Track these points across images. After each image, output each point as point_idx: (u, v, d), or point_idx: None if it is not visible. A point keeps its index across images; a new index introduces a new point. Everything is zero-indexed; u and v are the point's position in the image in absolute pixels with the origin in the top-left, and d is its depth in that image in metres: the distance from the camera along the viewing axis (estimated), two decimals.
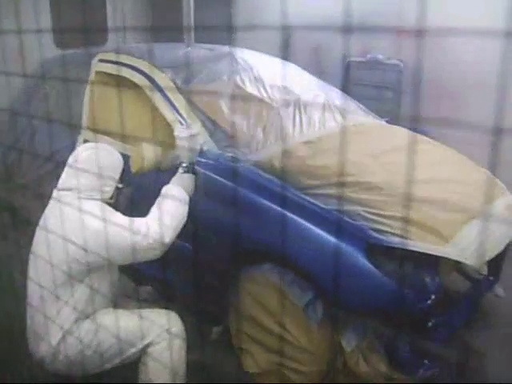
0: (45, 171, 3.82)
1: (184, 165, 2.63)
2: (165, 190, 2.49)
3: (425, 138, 3.43)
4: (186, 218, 2.44)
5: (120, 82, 3.36)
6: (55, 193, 2.47)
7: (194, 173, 2.66)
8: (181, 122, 3.01)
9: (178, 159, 2.81)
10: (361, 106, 3.94)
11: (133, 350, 2.40)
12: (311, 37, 6.04)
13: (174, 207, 2.40)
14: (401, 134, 3.51)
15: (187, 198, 2.51)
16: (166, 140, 3.00)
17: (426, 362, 2.53)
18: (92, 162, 2.38)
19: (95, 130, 3.49)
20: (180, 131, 2.68)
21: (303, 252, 2.46)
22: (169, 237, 2.32)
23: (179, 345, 2.45)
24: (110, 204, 2.43)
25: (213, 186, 2.79)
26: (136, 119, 3.02)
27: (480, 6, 4.90)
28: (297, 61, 4.23)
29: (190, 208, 2.52)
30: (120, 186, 2.50)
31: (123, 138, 3.17)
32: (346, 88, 4.42)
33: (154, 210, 2.40)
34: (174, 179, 2.58)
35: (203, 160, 2.85)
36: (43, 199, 2.53)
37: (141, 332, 2.37)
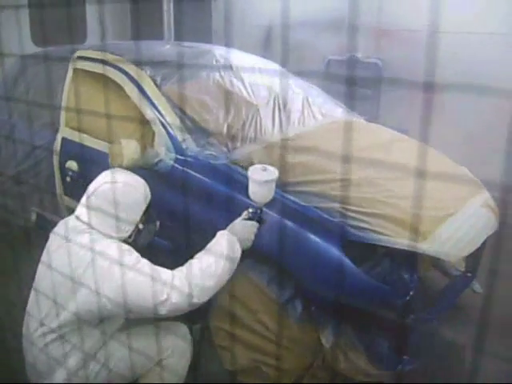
0: (23, 168, 3.79)
1: (250, 210, 2.35)
2: (217, 237, 2.24)
3: (403, 136, 3.45)
4: (228, 276, 2.18)
5: (99, 80, 3.33)
6: (66, 223, 2.27)
7: (260, 221, 2.35)
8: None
9: (156, 157, 2.81)
10: (339, 103, 3.96)
11: (145, 369, 2.33)
12: (291, 35, 6.05)
13: (215, 263, 2.12)
14: (379, 132, 3.54)
15: (237, 254, 2.21)
16: (145, 137, 2.99)
17: (404, 357, 2.54)
18: (110, 199, 2.15)
19: (74, 128, 3.46)
20: (255, 172, 2.33)
21: (282, 249, 2.46)
22: (198, 297, 2.06)
23: (189, 352, 2.43)
24: (127, 243, 2.22)
25: (192, 184, 2.78)
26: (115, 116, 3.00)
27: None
28: (276, 59, 4.24)
29: (169, 205, 2.50)
30: (141, 227, 2.30)
31: (102, 135, 3.15)
32: (325, 86, 4.42)
33: (192, 261, 2.15)
34: (233, 224, 2.31)
35: (182, 157, 2.84)
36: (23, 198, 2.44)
37: (156, 350, 2.28)
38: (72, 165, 3.40)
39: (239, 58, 3.87)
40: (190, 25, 6.86)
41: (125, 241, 2.22)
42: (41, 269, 2.25)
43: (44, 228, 3.77)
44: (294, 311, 2.56)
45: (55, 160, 3.52)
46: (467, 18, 4.99)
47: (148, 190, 2.34)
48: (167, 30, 7.00)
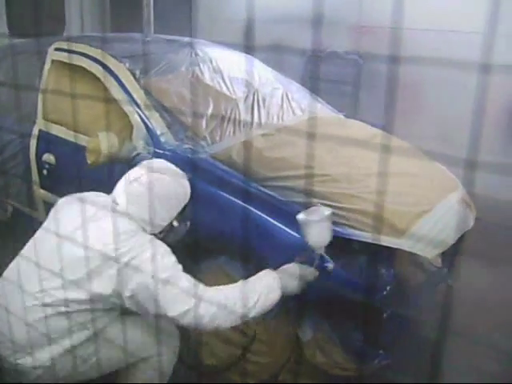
0: None
1: (304, 254, 2.17)
2: (267, 278, 2.09)
3: (381, 131, 3.47)
4: (258, 310, 2.04)
5: (77, 72, 3.30)
6: (97, 199, 2.19)
7: (317, 265, 2.18)
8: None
9: (134, 150, 2.79)
10: (319, 99, 3.97)
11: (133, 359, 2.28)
12: (271, 30, 6.05)
13: (239, 302, 1.99)
14: (358, 127, 3.55)
15: (276, 291, 2.07)
16: (123, 131, 2.97)
17: (380, 352, 2.56)
18: (153, 190, 2.05)
19: (51, 120, 3.42)
20: (308, 213, 2.16)
21: (260, 243, 2.46)
22: (212, 324, 1.99)
23: (178, 348, 2.40)
24: (157, 236, 2.16)
25: None
26: (93, 109, 2.97)
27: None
28: (256, 54, 4.23)
29: None
30: (175, 224, 2.23)
31: (79, 128, 3.12)
32: (304, 82, 4.43)
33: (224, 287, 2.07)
34: (282, 268, 2.15)
35: (161, 151, 2.83)
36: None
37: (149, 343, 2.25)
38: (49, 158, 3.37)
39: (219, 52, 3.86)
40: (170, 18, 6.83)
41: (155, 235, 2.15)
42: (43, 236, 2.17)
43: (20, 222, 3.75)
44: None
45: (32, 153, 3.48)
46: (450, 15, 5.04)
47: (189, 187, 2.26)
48: (147, 22, 6.95)
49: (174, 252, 2.12)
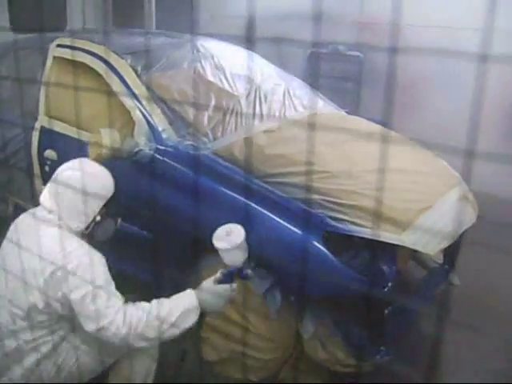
0: (0, 157, 3.75)
1: (224, 271, 2.14)
2: (181, 295, 2.10)
3: (382, 128, 3.46)
4: (169, 338, 2.06)
5: (79, 68, 3.30)
6: (32, 209, 2.26)
7: (243, 278, 2.18)
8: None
9: (136, 146, 2.79)
10: (321, 96, 3.96)
11: (102, 366, 2.30)
12: (273, 26, 6.04)
13: (162, 321, 1.99)
14: (360, 124, 3.55)
15: (188, 324, 2.05)
16: (125, 127, 2.97)
17: (382, 348, 2.57)
18: (70, 187, 2.10)
19: (53, 117, 3.43)
20: (218, 240, 2.17)
21: (262, 240, 2.46)
22: (133, 340, 2.00)
23: (147, 360, 2.35)
24: (84, 235, 2.20)
25: (172, 174, 2.77)
26: (95, 106, 2.97)
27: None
28: (258, 50, 4.22)
29: (148, 196, 2.48)
30: (98, 218, 2.22)
31: (81, 124, 3.12)
32: (307, 78, 4.43)
33: (143, 305, 2.05)
34: (200, 286, 2.14)
35: (162, 147, 2.83)
36: None
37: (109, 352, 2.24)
38: (51, 154, 3.37)
39: (220, 48, 3.86)
40: (172, 14, 6.82)
41: (82, 233, 2.19)
42: (8, 248, 2.22)
43: None
44: (273, 302, 2.56)
45: (34, 149, 3.48)
46: (452, 13, 5.03)
47: (112, 182, 2.27)
48: (148, 18, 6.94)
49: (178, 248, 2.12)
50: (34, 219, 2.15)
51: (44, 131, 3.46)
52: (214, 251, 2.71)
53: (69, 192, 2.11)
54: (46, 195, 2.22)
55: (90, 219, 2.20)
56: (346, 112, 3.91)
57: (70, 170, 2.19)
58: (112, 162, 2.67)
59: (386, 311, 2.51)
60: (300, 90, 3.84)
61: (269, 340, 2.64)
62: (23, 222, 2.25)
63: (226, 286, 2.11)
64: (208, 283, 2.13)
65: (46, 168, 3.41)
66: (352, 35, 5.80)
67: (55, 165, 3.32)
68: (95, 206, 2.20)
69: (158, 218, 2.77)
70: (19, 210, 3.79)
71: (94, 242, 2.20)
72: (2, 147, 3.72)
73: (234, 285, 2.13)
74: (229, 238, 2.13)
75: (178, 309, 2.02)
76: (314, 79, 5.65)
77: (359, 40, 5.72)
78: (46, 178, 3.44)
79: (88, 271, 1.99)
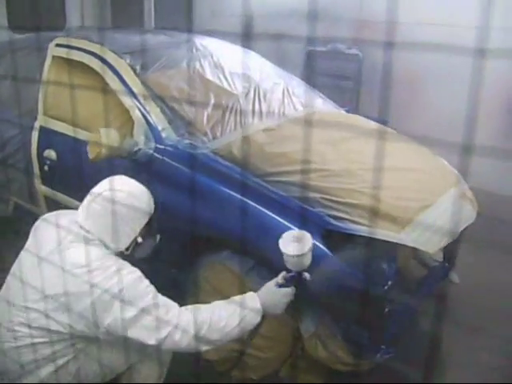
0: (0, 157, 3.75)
1: (287, 274, 2.12)
2: (244, 297, 2.09)
3: (382, 126, 3.46)
4: (234, 337, 2.05)
5: (78, 68, 3.30)
6: (65, 218, 2.16)
7: (297, 286, 2.14)
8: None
9: (135, 146, 2.78)
10: (320, 94, 3.96)
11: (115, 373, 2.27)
12: (272, 25, 6.04)
13: (226, 323, 1.99)
14: (359, 122, 3.55)
15: (251, 325, 2.06)
16: (124, 126, 2.97)
17: (382, 347, 2.56)
18: (111, 208, 2.03)
19: (52, 116, 3.42)
20: (286, 244, 2.11)
21: (262, 239, 2.46)
22: (200, 345, 1.99)
23: (157, 368, 2.34)
24: (123, 255, 2.14)
25: (172, 173, 2.77)
26: (94, 105, 2.97)
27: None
28: (257, 49, 4.22)
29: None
30: (140, 240, 2.18)
31: (80, 124, 3.12)
32: (306, 77, 4.43)
33: (204, 307, 2.05)
34: (266, 289, 2.12)
35: (162, 146, 2.83)
36: None
37: (124, 360, 2.20)
38: (50, 154, 3.37)
39: (219, 47, 3.85)
40: (171, 13, 6.81)
41: (121, 253, 2.13)
42: (27, 257, 2.15)
43: (21, 218, 3.75)
44: None
45: (33, 149, 3.48)
46: (451, 11, 5.03)
47: (152, 201, 2.23)
48: (147, 17, 6.94)
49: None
50: (70, 236, 2.07)
51: (43, 131, 3.46)
52: (215, 250, 2.71)
53: (109, 214, 2.05)
54: (83, 214, 2.13)
55: (132, 240, 2.16)
56: (345, 110, 3.91)
57: (109, 191, 2.08)
58: (111, 161, 2.67)
59: (386, 310, 2.51)
60: (299, 89, 3.84)
61: (268, 338, 2.64)
62: (47, 237, 2.14)
63: (287, 290, 2.10)
64: (270, 286, 2.12)
65: (46, 168, 3.41)
66: (352, 34, 5.79)
67: (54, 164, 3.35)
68: (137, 226, 2.15)
69: (156, 217, 2.77)
70: (19, 210, 3.82)
71: (133, 260, 2.14)
72: (1, 146, 3.71)
73: (294, 288, 2.12)
74: (298, 245, 2.09)
75: (242, 311, 2.01)
76: (312, 78, 5.65)
77: (359, 39, 5.72)
78: (46, 177, 3.45)
79: (135, 289, 1.95)
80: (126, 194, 2.11)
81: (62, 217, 2.20)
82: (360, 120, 3.60)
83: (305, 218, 2.45)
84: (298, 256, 2.07)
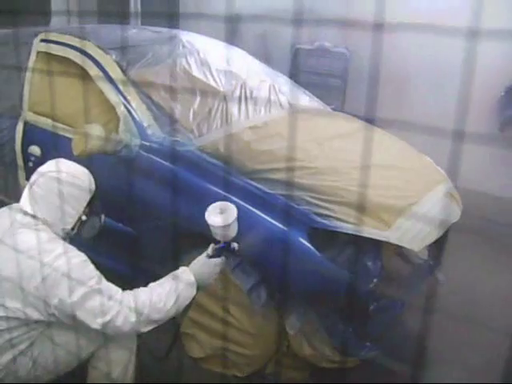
0: None
1: (215, 246, 2.22)
2: (176, 273, 2.16)
3: (368, 124, 3.48)
4: (174, 314, 2.10)
5: (63, 63, 3.27)
6: (10, 212, 2.19)
7: (227, 255, 2.26)
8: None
9: (121, 142, 2.77)
10: (307, 92, 3.97)
11: (78, 360, 2.27)
12: (258, 23, 6.04)
13: (165, 300, 2.05)
14: (345, 120, 3.56)
15: (189, 296, 2.13)
16: (110, 123, 2.95)
17: (367, 344, 2.58)
18: (54, 190, 2.10)
19: (37, 112, 3.40)
20: (212, 215, 2.19)
21: (247, 236, 2.46)
22: (143, 327, 2.04)
23: (123, 352, 2.33)
24: (70, 235, 2.19)
25: (157, 170, 2.76)
26: (79, 101, 2.95)
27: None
28: (243, 47, 4.22)
29: (132, 192, 2.46)
30: (84, 218, 2.23)
31: (65, 120, 3.10)
32: (292, 75, 4.43)
33: (143, 290, 2.08)
34: (197, 262, 2.21)
35: (147, 143, 2.82)
36: None
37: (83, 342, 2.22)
38: (34, 150, 3.34)
39: (206, 43, 3.84)
40: (157, 10, 6.78)
41: (68, 233, 2.19)
42: None
43: None
44: (258, 298, 2.56)
45: (17, 145, 3.45)
46: (437, 11, 5.05)
47: (93, 181, 2.27)
48: (134, 14, 6.91)
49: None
50: (16, 223, 2.11)
51: (28, 127, 3.43)
52: (198, 246, 2.71)
53: (52, 195, 2.11)
54: (26, 199, 2.18)
55: (76, 219, 2.20)
56: (332, 108, 3.92)
57: (50, 173, 2.15)
58: (96, 157, 2.65)
59: (372, 307, 2.52)
60: (285, 87, 3.84)
61: (253, 336, 2.64)
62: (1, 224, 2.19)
63: (217, 260, 2.20)
64: (201, 258, 2.20)
65: (30, 164, 3.38)
66: (338, 32, 5.80)
67: (39, 161, 3.32)
68: (80, 205, 2.20)
69: (142, 213, 2.76)
70: (2, 206, 3.78)
71: (78, 240, 2.20)
72: None
73: (224, 258, 2.23)
74: (223, 216, 2.18)
75: (177, 286, 2.08)
76: (299, 76, 5.66)
77: (346, 37, 5.74)
78: (30, 173, 3.41)
79: (80, 271, 1.98)
80: (65, 173, 2.15)
81: (8, 209, 2.24)
82: (346, 118, 3.61)
83: (290, 216, 2.45)
84: (223, 227, 2.15)
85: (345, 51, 5.81)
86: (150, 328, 2.06)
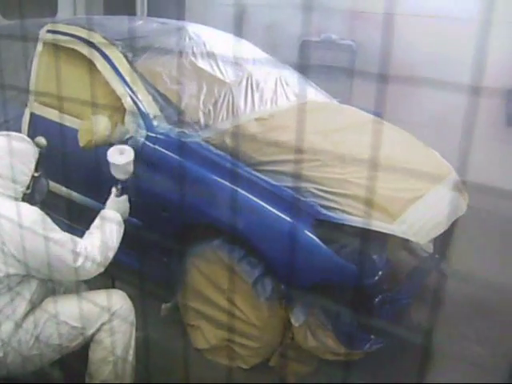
0: None
1: (119, 186, 2.55)
2: (103, 215, 2.44)
3: (375, 118, 3.46)
4: (119, 240, 2.40)
5: (69, 54, 3.27)
6: None
7: (127, 193, 2.59)
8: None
9: (127, 133, 2.77)
10: (313, 84, 3.95)
11: (83, 336, 2.31)
12: (265, 15, 6.01)
13: (110, 237, 2.34)
14: (352, 113, 3.54)
15: (121, 221, 2.48)
16: (116, 114, 2.95)
17: (372, 337, 2.57)
18: (3, 151, 2.25)
19: (43, 103, 3.40)
20: (113, 155, 2.52)
21: (253, 228, 2.46)
22: (103, 265, 2.28)
23: (127, 326, 2.37)
24: (26, 194, 2.31)
25: (163, 161, 2.76)
26: (85, 92, 2.95)
27: None
28: (250, 39, 4.21)
29: (140, 183, 2.48)
30: (36, 174, 2.37)
31: (71, 111, 3.10)
32: (299, 67, 4.41)
33: (92, 234, 2.32)
34: (108, 203, 2.55)
35: (153, 135, 2.81)
36: None
37: (88, 317, 2.29)
38: (40, 141, 3.34)
39: (212, 35, 3.84)
40: (164, 1, 6.76)
41: (24, 194, 2.30)
42: None
43: None
44: (263, 290, 2.56)
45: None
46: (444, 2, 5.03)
47: (31, 144, 2.46)
48: (140, 5, 6.89)
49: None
50: None
51: (34, 118, 3.43)
52: (206, 239, 2.72)
53: (4, 159, 2.23)
54: None
55: (30, 176, 2.33)
56: (338, 101, 3.90)
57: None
58: (102, 148, 2.65)
59: (376, 300, 2.52)
60: (292, 79, 3.83)
61: (258, 328, 2.64)
62: None
63: (125, 196, 2.56)
64: (113, 198, 2.54)
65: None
66: (345, 24, 5.78)
67: (45, 152, 3.32)
68: (30, 162, 2.35)
69: (148, 205, 2.76)
70: None
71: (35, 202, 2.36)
72: None
73: (127, 196, 2.57)
74: (122, 156, 2.51)
75: (112, 226, 2.39)
76: (306, 68, 5.63)
77: (353, 29, 5.71)
78: (37, 165, 3.42)
79: (42, 225, 2.11)
80: (13, 139, 2.33)
81: None
82: (352, 110, 3.59)
83: (296, 208, 2.45)
84: (123, 165, 2.49)
85: (351, 43, 5.78)
86: (102, 269, 2.28)
